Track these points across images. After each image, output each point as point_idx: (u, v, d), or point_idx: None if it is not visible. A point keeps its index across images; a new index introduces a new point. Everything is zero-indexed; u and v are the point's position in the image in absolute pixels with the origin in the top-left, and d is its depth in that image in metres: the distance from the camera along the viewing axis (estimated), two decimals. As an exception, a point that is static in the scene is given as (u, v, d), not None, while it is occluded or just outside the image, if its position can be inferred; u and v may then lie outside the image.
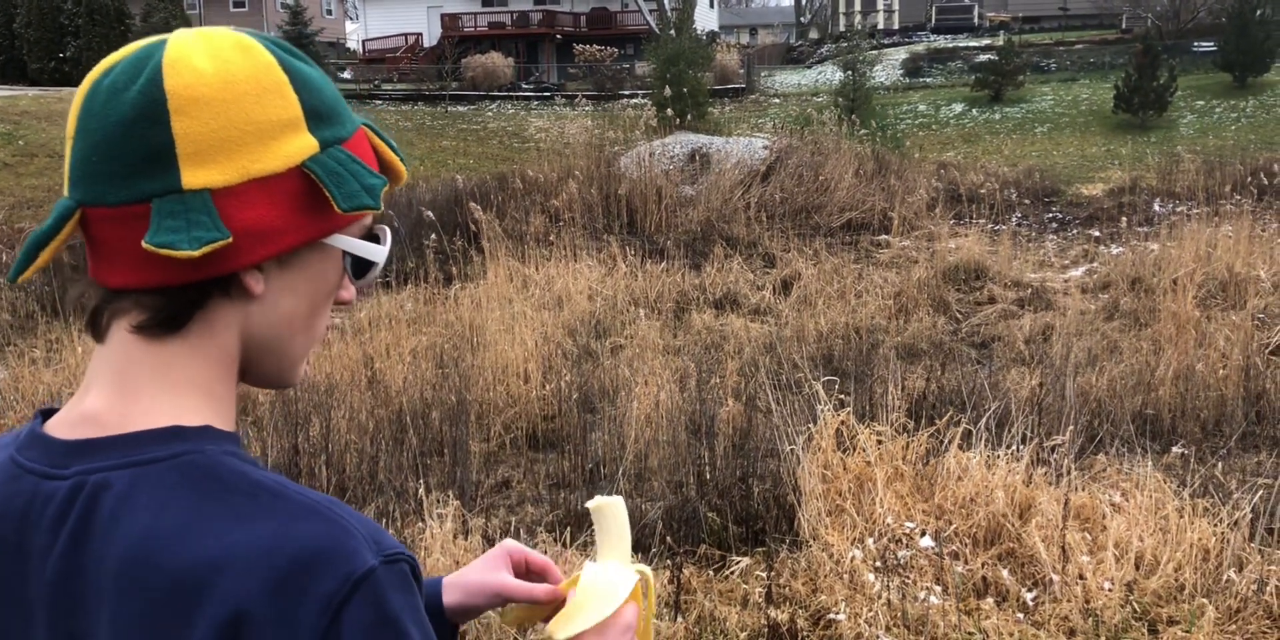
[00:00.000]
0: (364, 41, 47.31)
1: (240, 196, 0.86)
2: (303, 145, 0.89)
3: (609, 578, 1.14)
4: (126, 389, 0.89)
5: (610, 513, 1.18)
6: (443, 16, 45.30)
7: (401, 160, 0.99)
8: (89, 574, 0.83)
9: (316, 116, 0.91)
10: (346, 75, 40.25)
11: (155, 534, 0.82)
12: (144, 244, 0.83)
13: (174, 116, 0.84)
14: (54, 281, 11.45)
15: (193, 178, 0.85)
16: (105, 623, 0.83)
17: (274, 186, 0.88)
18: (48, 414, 0.94)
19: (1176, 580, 4.25)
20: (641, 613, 1.16)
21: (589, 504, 1.19)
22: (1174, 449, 5.84)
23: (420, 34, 45.81)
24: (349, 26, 56.61)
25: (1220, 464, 5.54)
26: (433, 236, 11.59)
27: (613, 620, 1.11)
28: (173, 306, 0.88)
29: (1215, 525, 4.51)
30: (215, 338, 0.91)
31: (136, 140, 0.85)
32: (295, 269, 0.92)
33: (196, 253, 0.83)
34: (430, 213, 12.42)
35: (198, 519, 0.82)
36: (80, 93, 0.89)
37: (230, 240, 0.85)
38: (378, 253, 0.97)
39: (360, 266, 0.97)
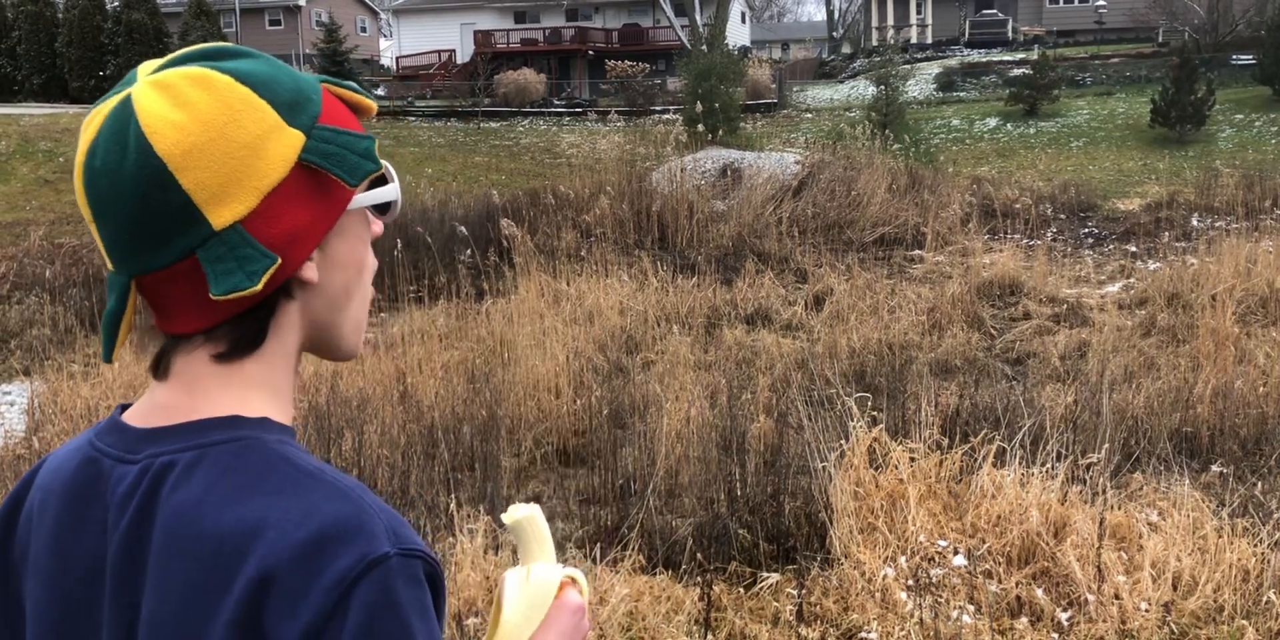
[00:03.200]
0: (398, 58, 47.76)
1: (265, 214, 0.91)
2: (291, 141, 0.92)
3: (537, 577, 1.12)
4: (195, 387, 0.95)
5: (527, 524, 1.15)
6: (476, 33, 45.66)
7: (364, 95, 1.02)
8: (148, 546, 0.90)
9: (288, 108, 0.93)
10: (381, 92, 40.63)
11: (201, 504, 0.89)
12: (213, 297, 0.89)
13: (179, 175, 0.88)
14: (92, 296, 11.61)
15: (219, 218, 0.90)
16: (150, 586, 0.89)
17: (287, 190, 0.92)
18: (127, 407, 1.00)
19: (1215, 601, 4.18)
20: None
21: (504, 518, 1.16)
22: (1213, 468, 5.76)
23: (453, 51, 46.19)
24: (383, 44, 57.17)
25: (1260, 483, 5.45)
26: (468, 252, 11.65)
27: (556, 606, 1.10)
28: (249, 330, 0.95)
29: (1255, 546, 4.44)
30: (282, 341, 0.97)
31: (156, 210, 0.89)
32: (334, 243, 0.98)
33: (260, 286, 0.90)
34: (463, 228, 12.50)
35: (242, 494, 0.89)
36: (78, 177, 0.92)
37: (280, 260, 0.91)
38: (393, 192, 1.02)
39: (381, 207, 1.02)
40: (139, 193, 0.88)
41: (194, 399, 0.94)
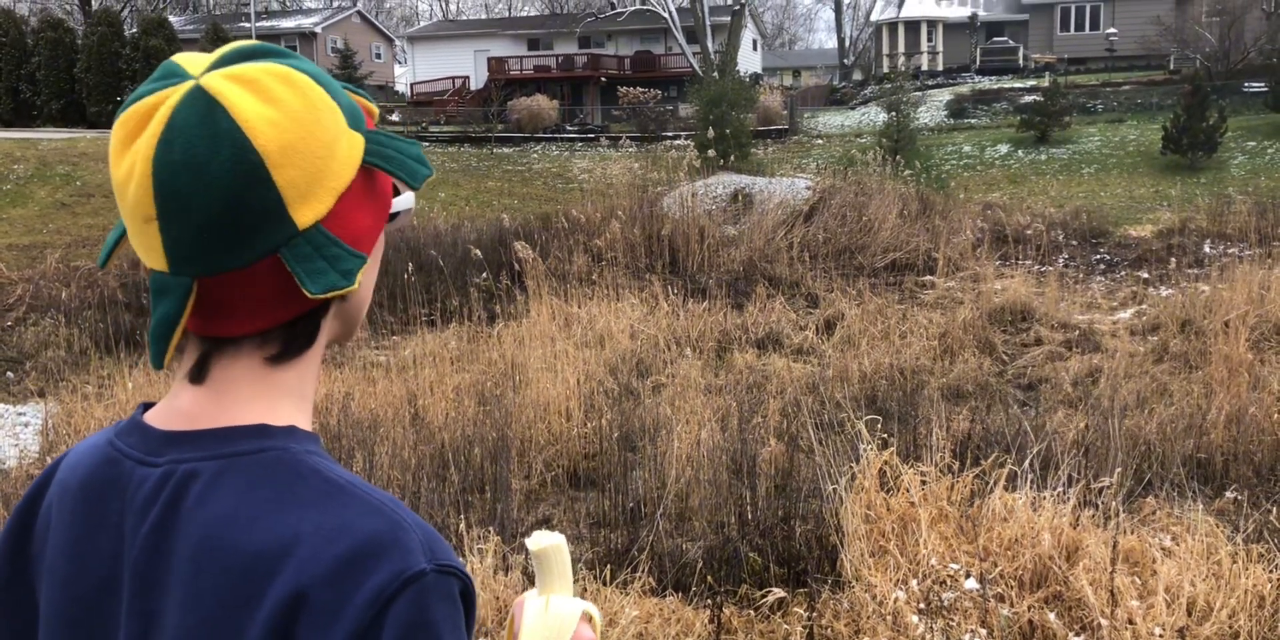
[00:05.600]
0: (412, 85, 48.14)
1: (340, 215, 0.91)
2: (354, 143, 0.93)
3: (556, 610, 1.11)
4: (226, 393, 0.93)
5: (552, 553, 1.15)
6: (489, 60, 46.03)
7: (369, 100, 1.02)
8: (172, 556, 0.88)
9: (350, 111, 0.94)
10: (395, 118, 40.93)
11: (233, 519, 0.87)
12: (310, 295, 0.87)
13: (274, 172, 0.86)
14: (107, 318, 11.68)
15: (302, 217, 0.88)
16: (177, 600, 0.87)
17: (354, 193, 0.92)
18: (149, 406, 0.99)
19: (1231, 627, 4.14)
20: None
21: (529, 544, 1.15)
22: (1227, 493, 5.72)
23: (467, 77, 46.56)
24: (398, 70, 57.64)
25: (1276, 509, 5.41)
26: (480, 276, 11.68)
27: None
28: (304, 331, 0.94)
29: (1271, 572, 4.40)
30: (318, 343, 0.97)
31: (246, 206, 0.86)
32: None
33: (356, 284, 0.90)
34: (477, 251, 12.55)
35: (273, 508, 0.87)
36: (144, 172, 0.86)
37: (368, 258, 0.92)
38: (411, 200, 1.03)
39: (391, 214, 1.02)
40: (231, 188, 0.85)
41: (221, 406, 0.92)
